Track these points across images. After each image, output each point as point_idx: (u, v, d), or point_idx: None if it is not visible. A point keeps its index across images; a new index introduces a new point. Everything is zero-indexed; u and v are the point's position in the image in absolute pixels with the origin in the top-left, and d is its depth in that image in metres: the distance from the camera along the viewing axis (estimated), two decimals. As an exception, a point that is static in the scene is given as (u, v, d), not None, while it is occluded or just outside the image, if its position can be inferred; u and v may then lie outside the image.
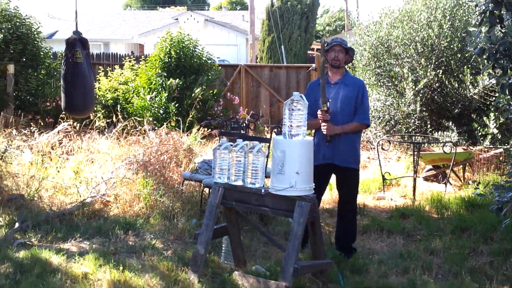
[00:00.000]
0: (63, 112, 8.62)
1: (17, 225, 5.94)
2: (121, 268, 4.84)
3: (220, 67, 13.67)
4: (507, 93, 4.61)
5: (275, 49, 27.06)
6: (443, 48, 9.66)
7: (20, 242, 5.49)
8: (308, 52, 28.77)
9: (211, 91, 12.56)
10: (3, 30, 11.75)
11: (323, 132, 5.38)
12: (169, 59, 12.30)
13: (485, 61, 4.63)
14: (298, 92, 4.58)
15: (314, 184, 4.57)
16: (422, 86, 9.50)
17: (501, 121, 8.75)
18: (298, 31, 28.01)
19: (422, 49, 9.73)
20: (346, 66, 5.69)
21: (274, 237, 5.74)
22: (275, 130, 7.96)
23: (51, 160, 8.02)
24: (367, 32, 10.70)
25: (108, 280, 4.67)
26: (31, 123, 9.92)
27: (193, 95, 11.81)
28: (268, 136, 9.69)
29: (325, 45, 5.53)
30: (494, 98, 9.03)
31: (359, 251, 5.63)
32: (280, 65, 15.72)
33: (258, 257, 5.46)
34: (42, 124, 10.86)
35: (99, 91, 12.60)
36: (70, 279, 4.71)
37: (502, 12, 4.46)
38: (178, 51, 12.33)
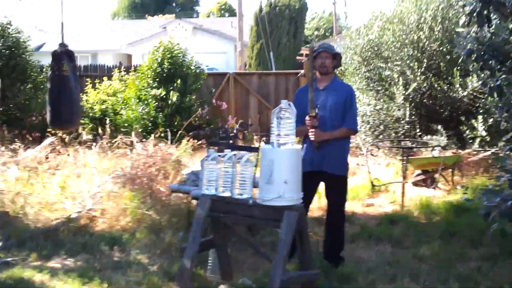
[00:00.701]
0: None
1: (0, 243, 5.86)
2: (105, 285, 4.78)
3: (208, 76, 13.63)
4: (495, 95, 4.59)
5: (264, 55, 27.07)
6: (433, 51, 9.64)
7: (3, 261, 5.42)
8: (298, 57, 28.74)
9: (198, 100, 12.51)
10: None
11: (311, 138, 5.35)
12: (161, 69, 12.24)
13: (474, 62, 4.62)
14: (287, 99, 4.55)
15: (302, 193, 4.54)
16: (412, 90, 9.47)
17: (489, 124, 8.74)
18: (287, 36, 28.05)
19: (412, 52, 9.71)
20: (335, 71, 5.67)
21: (262, 248, 5.69)
22: (264, 139, 7.96)
23: (37, 175, 7.95)
24: (357, 35, 10.68)
25: (92, 298, 4.63)
26: (18, 138, 9.84)
27: (183, 105, 11.72)
28: (257, 145, 9.69)
29: (313, 50, 5.50)
30: (483, 100, 9.02)
31: (347, 260, 5.59)
32: (269, 72, 15.74)
33: (246, 269, 5.41)
34: (28, 139, 10.78)
35: (87, 103, 12.53)
36: (53, 298, 4.66)
37: (490, 12, 4.44)
38: (169, 61, 12.28)
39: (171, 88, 11.94)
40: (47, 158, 8.46)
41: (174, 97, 11.66)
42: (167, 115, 11.68)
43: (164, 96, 11.75)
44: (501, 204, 4.06)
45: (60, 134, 9.32)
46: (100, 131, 10.33)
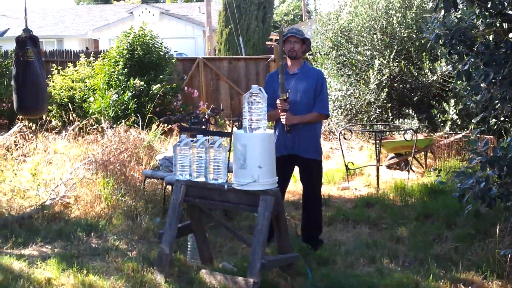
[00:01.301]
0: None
1: (-26, 231, 5.75)
2: (85, 271, 4.73)
3: (177, 61, 13.48)
4: (464, 79, 4.64)
5: (233, 40, 26.90)
6: (403, 37, 9.70)
7: (-22, 249, 5.32)
8: (267, 43, 28.69)
9: (169, 86, 12.37)
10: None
11: (282, 122, 5.34)
12: (131, 56, 12.01)
13: (442, 47, 4.65)
14: (258, 84, 4.53)
15: (277, 177, 4.54)
16: (386, 75, 9.52)
17: (460, 107, 8.85)
18: (256, 21, 27.90)
19: (382, 38, 9.76)
20: (306, 55, 5.66)
21: (239, 233, 5.68)
22: (236, 124, 7.92)
23: (7, 162, 7.79)
24: (327, 21, 10.67)
25: (72, 285, 4.58)
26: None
27: (151, 91, 11.56)
28: (230, 130, 9.66)
29: (283, 35, 5.49)
30: (452, 84, 9.13)
31: (325, 242, 5.62)
32: (238, 57, 15.64)
33: (225, 253, 5.41)
34: (-4, 125, 10.58)
35: (54, 89, 12.29)
36: (33, 285, 4.58)
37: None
38: (140, 47, 12.07)
39: (150, 77, 11.75)
40: (16, 145, 8.29)
41: (156, 90, 11.50)
42: (140, 103, 11.51)
43: (144, 86, 11.55)
44: (474, 186, 4.12)
45: (28, 121, 9.12)
46: (69, 117, 10.16)
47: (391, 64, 9.48)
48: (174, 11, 35.16)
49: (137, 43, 12.06)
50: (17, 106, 6.94)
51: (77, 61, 13.46)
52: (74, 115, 9.45)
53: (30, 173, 7.21)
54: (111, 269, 4.87)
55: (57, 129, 9.72)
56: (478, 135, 5.17)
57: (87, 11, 38.48)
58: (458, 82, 6.59)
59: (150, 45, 12.23)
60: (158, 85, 11.63)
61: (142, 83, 11.53)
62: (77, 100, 12.12)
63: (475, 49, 4.56)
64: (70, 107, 11.12)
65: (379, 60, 9.58)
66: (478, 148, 4.15)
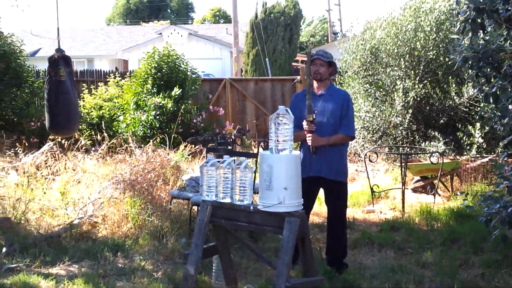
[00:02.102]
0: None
1: (4, 249, 5.85)
2: (111, 291, 4.78)
3: (204, 81, 13.62)
4: (491, 101, 4.62)
5: (260, 61, 27.10)
6: (429, 59, 9.70)
7: (8, 267, 5.41)
8: (293, 64, 28.85)
9: (195, 106, 12.51)
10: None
11: (308, 143, 5.37)
12: (161, 75, 12.20)
13: (469, 70, 4.64)
14: (284, 105, 4.56)
15: (302, 199, 4.55)
16: (410, 97, 9.50)
17: (486, 130, 8.79)
18: (282, 43, 28.10)
19: (410, 60, 9.76)
20: (333, 78, 5.69)
21: (264, 254, 5.69)
22: (262, 144, 7.96)
23: (37, 181, 7.93)
24: (361, 40, 10.70)
25: (98, 304, 4.62)
26: (16, 144, 9.82)
27: (168, 108, 11.65)
28: (255, 150, 9.70)
29: (310, 55, 5.53)
30: (478, 108, 9.06)
31: (350, 266, 5.60)
32: (265, 78, 15.74)
33: (249, 275, 5.42)
34: (27, 144, 10.74)
35: (84, 109, 12.51)
36: (59, 305, 4.65)
37: (484, 19, 4.47)
38: (165, 66, 12.25)
39: (168, 95, 11.88)
40: (46, 163, 8.44)
41: (169, 104, 11.61)
42: (165, 122, 11.65)
43: (162, 104, 11.69)
44: (502, 211, 4.08)
45: (58, 140, 9.29)
46: (98, 137, 10.32)
47: (417, 86, 9.47)
48: (202, 32, 35.57)
49: (164, 62, 12.23)
50: (49, 125, 7.04)
51: (107, 81, 13.67)
52: (102, 135, 9.59)
53: (59, 192, 7.33)
54: (137, 289, 4.93)
55: (85, 148, 9.87)
56: (505, 159, 5.13)
57: (117, 32, 39.10)
58: (485, 104, 6.55)
59: (177, 65, 12.40)
60: (168, 100, 11.68)
61: (159, 100, 11.65)
62: (106, 120, 12.30)
63: (503, 72, 4.54)
64: (100, 126, 11.30)
65: (404, 82, 9.58)
66: (505, 172, 4.12)
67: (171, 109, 11.58)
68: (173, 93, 11.90)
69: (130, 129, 11.66)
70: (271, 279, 4.98)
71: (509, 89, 4.41)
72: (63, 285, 4.98)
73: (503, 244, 5.19)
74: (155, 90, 12.09)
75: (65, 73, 6.92)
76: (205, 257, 5.05)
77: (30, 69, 12.74)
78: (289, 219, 4.38)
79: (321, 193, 5.76)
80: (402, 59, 9.72)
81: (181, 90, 12.08)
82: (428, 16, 9.74)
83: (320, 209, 7.49)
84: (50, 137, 9.38)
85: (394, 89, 9.81)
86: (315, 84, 5.57)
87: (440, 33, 9.66)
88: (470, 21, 4.47)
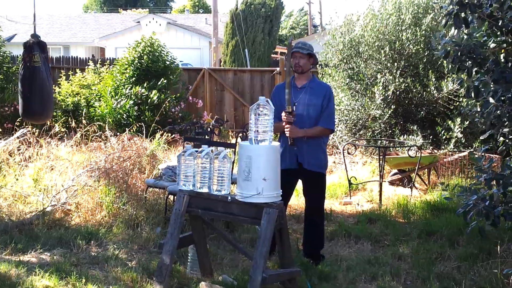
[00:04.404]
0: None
1: (-27, 236, 5.71)
2: (83, 280, 4.68)
3: (183, 71, 13.49)
4: (472, 95, 4.61)
5: (239, 52, 26.99)
6: (411, 53, 9.70)
7: (-23, 254, 5.28)
8: (272, 55, 28.79)
9: (174, 95, 12.36)
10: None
11: (286, 134, 5.31)
12: (140, 64, 12.03)
13: (451, 64, 4.62)
14: (263, 96, 4.50)
15: (281, 190, 4.50)
16: (391, 91, 9.49)
17: (465, 125, 8.82)
18: (262, 34, 28.01)
19: (390, 53, 9.75)
20: (315, 67, 5.64)
21: (241, 245, 5.63)
22: (241, 135, 7.89)
23: (9, 167, 7.76)
24: (339, 33, 10.67)
25: (70, 293, 4.52)
26: (-11, 129, 9.63)
27: (153, 100, 11.52)
28: (234, 141, 9.63)
29: (291, 46, 5.47)
30: (457, 102, 9.10)
31: (327, 258, 5.57)
32: (244, 69, 15.64)
33: (225, 265, 5.35)
34: (0, 130, 10.55)
35: (59, 95, 12.30)
36: (30, 293, 4.54)
37: (467, 14, 4.45)
38: (151, 56, 12.10)
39: (151, 85, 11.72)
40: (19, 150, 8.27)
41: (155, 96, 11.47)
42: (142, 110, 11.50)
43: (145, 94, 11.54)
44: (479, 203, 4.08)
45: (32, 126, 9.11)
46: (73, 124, 10.16)
47: (397, 80, 9.46)
48: (181, 21, 35.32)
49: (145, 52, 12.08)
50: (22, 111, 6.91)
51: (86, 68, 13.45)
52: (77, 122, 9.42)
53: (32, 179, 7.19)
54: (110, 279, 4.83)
55: (60, 135, 9.70)
56: (482, 153, 5.14)
57: (94, 19, 38.67)
58: (465, 99, 6.56)
59: (157, 54, 12.26)
60: (155, 91, 11.56)
61: (143, 90, 11.53)
62: (82, 106, 12.11)
63: (486, 67, 4.53)
64: (75, 113, 11.11)
65: (384, 75, 9.57)
66: (483, 165, 4.12)
67: (157, 100, 11.44)
68: (159, 83, 11.77)
69: (106, 116, 11.50)
70: (248, 269, 4.93)
71: (491, 84, 4.40)
72: (34, 273, 4.85)
73: (479, 238, 5.19)
74: (133, 80, 11.92)
75: (40, 59, 6.79)
76: (181, 246, 4.98)
77: (5, 55, 12.49)
78: (267, 210, 4.34)
79: (299, 184, 5.70)
80: (382, 52, 9.70)
81: (166, 80, 11.95)
82: (409, 9, 9.75)
83: (297, 200, 7.44)
84: (24, 123, 9.20)
85: (374, 82, 9.81)
86: (296, 76, 5.51)
87: (421, 27, 9.66)
88: (453, 15, 4.44)
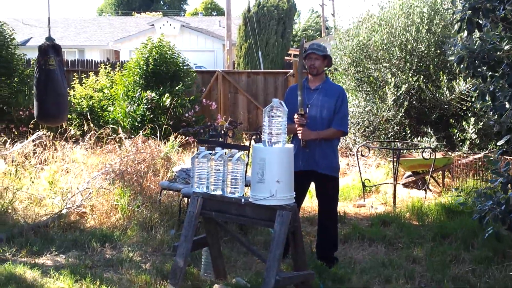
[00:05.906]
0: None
1: (-10, 239, 5.76)
2: (98, 283, 4.71)
3: (196, 74, 13.53)
4: (487, 99, 4.57)
5: (252, 54, 27.00)
6: (421, 53, 9.67)
7: (-7, 257, 5.33)
8: (286, 57, 28.75)
9: (187, 98, 12.40)
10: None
11: (299, 137, 5.31)
12: (147, 67, 12.07)
13: (466, 70, 4.59)
14: (276, 98, 4.50)
15: (294, 192, 4.50)
16: (403, 92, 9.46)
17: (479, 126, 8.77)
18: (275, 36, 28.00)
19: (400, 54, 9.72)
20: (327, 70, 5.63)
21: (254, 247, 5.64)
22: (254, 137, 7.90)
23: (25, 170, 7.83)
24: (346, 36, 10.66)
25: (84, 295, 4.55)
26: (4, 132, 9.70)
27: (162, 104, 11.54)
28: (247, 143, 9.65)
29: (304, 49, 5.47)
30: (470, 103, 9.05)
31: (340, 260, 5.56)
32: (257, 71, 15.66)
33: (239, 268, 5.36)
34: (15, 133, 10.64)
35: (74, 98, 12.39)
36: (45, 295, 4.58)
37: (480, 19, 4.41)
38: (156, 58, 12.12)
39: (161, 90, 11.75)
40: (34, 153, 8.34)
41: (167, 100, 11.49)
42: (155, 115, 11.54)
43: (156, 98, 11.58)
44: (495, 208, 4.04)
45: (47, 129, 9.18)
46: (85, 127, 10.22)
47: (410, 79, 9.43)
48: (195, 24, 35.42)
49: (154, 53, 12.09)
50: (38, 113, 6.96)
51: (98, 71, 13.54)
52: (92, 125, 9.48)
53: (47, 181, 7.25)
54: (124, 281, 4.86)
55: (75, 138, 9.76)
56: (499, 155, 5.09)
57: (109, 22, 38.89)
58: (480, 103, 6.50)
59: (168, 56, 12.27)
60: (167, 95, 11.56)
61: (153, 95, 11.55)
62: (96, 110, 12.19)
63: (500, 71, 4.49)
64: (89, 116, 11.17)
65: (396, 76, 9.54)
66: (499, 168, 4.08)
67: (169, 104, 11.47)
68: (177, 87, 11.81)
69: (120, 119, 11.56)
70: (261, 272, 4.93)
71: (507, 87, 4.36)
72: (49, 276, 4.90)
73: (495, 241, 5.16)
74: (142, 82, 11.94)
75: (55, 62, 6.83)
76: (195, 249, 5.00)
77: (20, 58, 12.59)
78: (281, 212, 4.34)
79: (312, 186, 5.70)
80: (393, 53, 9.67)
81: (182, 84, 11.98)
82: (415, 9, 9.72)
83: (310, 203, 7.44)
84: (39, 126, 9.27)
85: (385, 83, 9.78)
86: (310, 77, 5.50)
87: (430, 27, 9.62)
88: (466, 20, 4.41)
